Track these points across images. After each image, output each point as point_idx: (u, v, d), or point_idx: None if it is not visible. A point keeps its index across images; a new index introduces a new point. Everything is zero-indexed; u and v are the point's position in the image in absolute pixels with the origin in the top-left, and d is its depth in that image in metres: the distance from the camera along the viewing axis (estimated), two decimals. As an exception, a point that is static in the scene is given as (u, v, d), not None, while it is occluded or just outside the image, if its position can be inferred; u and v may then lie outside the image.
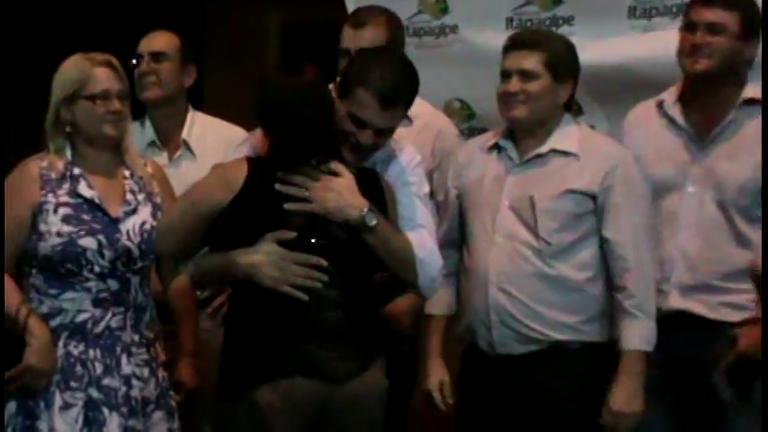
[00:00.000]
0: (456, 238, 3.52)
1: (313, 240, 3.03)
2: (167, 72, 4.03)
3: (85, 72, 3.28)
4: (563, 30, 4.06)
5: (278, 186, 3.03)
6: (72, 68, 3.30)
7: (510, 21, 4.23)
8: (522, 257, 3.32)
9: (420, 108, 3.63)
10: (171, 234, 3.16)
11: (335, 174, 3.09)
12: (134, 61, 4.01)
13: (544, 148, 3.37)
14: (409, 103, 3.25)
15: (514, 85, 3.32)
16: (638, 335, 3.29)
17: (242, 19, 6.46)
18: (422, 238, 3.19)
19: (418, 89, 3.26)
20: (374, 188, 3.14)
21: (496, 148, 3.45)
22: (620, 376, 3.28)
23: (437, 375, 3.50)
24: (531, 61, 3.33)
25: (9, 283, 3.22)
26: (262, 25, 6.51)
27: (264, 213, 3.03)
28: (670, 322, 3.39)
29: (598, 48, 3.97)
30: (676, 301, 3.45)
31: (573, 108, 3.54)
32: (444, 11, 4.34)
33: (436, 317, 3.55)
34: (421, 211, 3.25)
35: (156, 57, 4.02)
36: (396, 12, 3.90)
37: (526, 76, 3.33)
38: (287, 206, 3.03)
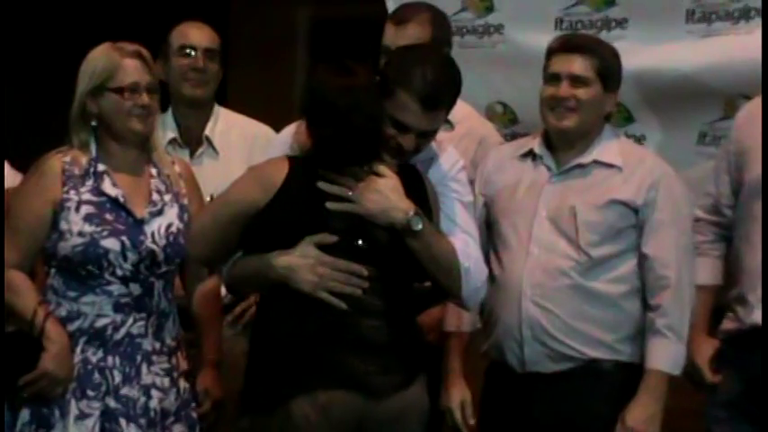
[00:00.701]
0: (484, 252, 3.38)
1: (359, 242, 2.93)
2: (216, 71, 3.91)
3: (114, 63, 3.16)
4: (615, 33, 3.97)
5: (320, 184, 2.92)
6: (100, 58, 3.19)
7: (559, 21, 4.11)
8: (560, 270, 3.22)
9: (462, 112, 3.52)
10: (203, 238, 3.05)
11: (379, 174, 2.97)
12: (188, 51, 3.85)
13: (586, 159, 3.28)
14: (452, 104, 3.13)
15: (565, 89, 3.23)
16: (665, 356, 3.20)
17: (269, 13, 6.38)
18: (467, 246, 3.07)
19: (461, 89, 3.12)
20: (418, 187, 3.03)
21: (531, 155, 3.35)
22: (640, 395, 3.19)
23: (459, 393, 3.40)
24: (584, 66, 3.23)
25: (25, 283, 3.13)
26: (290, 20, 6.42)
27: (305, 215, 2.92)
28: (753, 338, 3.26)
29: (653, 53, 3.86)
30: (759, 316, 3.28)
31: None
32: (489, 9, 4.22)
33: (459, 333, 3.46)
34: (464, 218, 3.13)
35: (211, 54, 3.89)
36: (439, 8, 3.76)
37: (578, 81, 3.23)
38: (329, 205, 2.91)
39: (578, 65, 3.22)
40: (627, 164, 3.25)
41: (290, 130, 3.31)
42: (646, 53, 3.73)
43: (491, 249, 3.34)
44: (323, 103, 2.90)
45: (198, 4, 4.56)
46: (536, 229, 3.25)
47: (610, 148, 3.28)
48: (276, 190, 2.92)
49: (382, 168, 2.97)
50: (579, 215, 3.21)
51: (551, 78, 3.24)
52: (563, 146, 3.30)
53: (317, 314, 2.90)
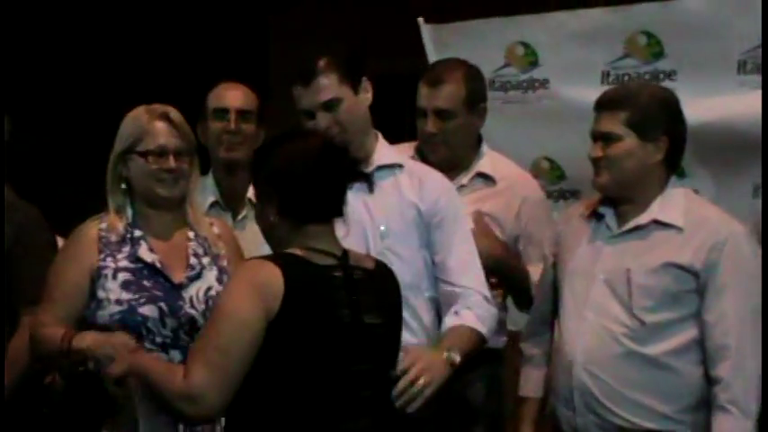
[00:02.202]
0: (549, 313, 3.35)
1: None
2: (252, 132, 3.85)
3: (142, 126, 3.13)
4: (664, 85, 3.79)
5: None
6: (130, 121, 3.16)
7: (606, 75, 4.03)
8: (612, 336, 3.11)
9: (506, 169, 3.50)
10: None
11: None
12: (222, 114, 3.84)
13: (644, 219, 3.16)
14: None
15: (597, 150, 3.17)
16: None
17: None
18: (480, 308, 3.12)
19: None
20: (393, 290, 2.86)
21: (595, 214, 3.26)
22: None
23: None
24: (611, 122, 3.15)
25: (54, 330, 3.03)
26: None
27: (319, 316, 2.65)
28: None
29: (703, 105, 3.74)
30: None
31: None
32: (534, 64, 4.17)
33: (529, 399, 3.39)
34: (475, 267, 3.18)
35: (244, 115, 3.85)
36: (481, 64, 3.76)
37: (608, 139, 3.15)
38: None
39: (605, 121, 3.15)
40: (689, 223, 3.11)
41: None
42: (696, 105, 3.59)
43: (556, 313, 3.28)
44: (280, 169, 2.72)
45: (237, 62, 4.53)
46: (593, 292, 3.16)
47: (672, 205, 3.15)
48: (281, 300, 2.57)
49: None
50: (633, 279, 3.10)
51: (591, 138, 3.20)
52: (619, 202, 3.21)
53: (303, 412, 2.62)
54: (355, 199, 3.08)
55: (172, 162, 3.10)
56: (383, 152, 3.21)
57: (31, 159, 3.85)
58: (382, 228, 3.15)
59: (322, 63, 3.09)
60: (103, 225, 3.14)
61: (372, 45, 4.44)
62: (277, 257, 2.66)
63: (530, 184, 3.72)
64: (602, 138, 3.15)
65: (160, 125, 3.11)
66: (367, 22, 6.01)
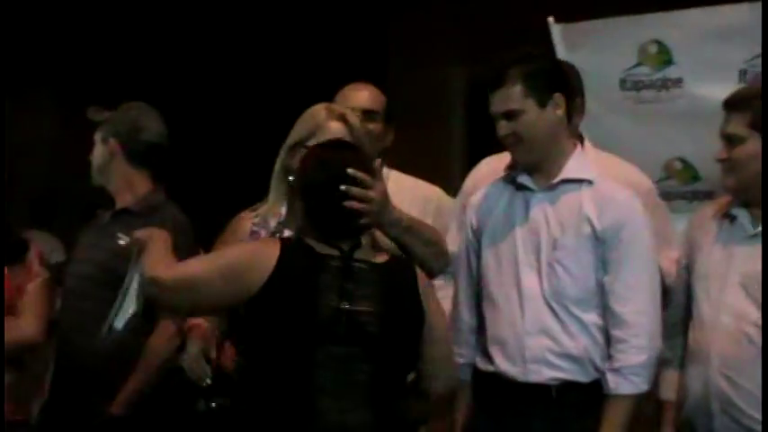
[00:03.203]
0: (683, 318, 3.28)
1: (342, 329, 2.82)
2: (379, 131, 3.86)
3: (319, 122, 3.15)
4: None
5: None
6: (308, 116, 3.19)
7: (743, 73, 3.96)
8: (749, 339, 3.07)
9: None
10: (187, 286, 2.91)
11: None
12: None
13: None
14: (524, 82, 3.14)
15: (723, 151, 3.14)
16: None
17: (426, 74, 6.32)
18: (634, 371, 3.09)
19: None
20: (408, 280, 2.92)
21: (728, 216, 3.20)
22: None
23: None
24: (737, 123, 3.11)
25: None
26: (446, 81, 6.34)
27: (298, 298, 2.82)
28: None
29: None
30: None
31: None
32: (668, 62, 4.10)
33: (669, 402, 3.32)
34: (641, 295, 3.11)
35: (370, 115, 3.85)
36: (612, 63, 3.81)
37: (732, 140, 3.11)
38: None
39: (730, 122, 3.11)
40: None
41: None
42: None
43: (689, 317, 3.22)
44: (310, 178, 2.89)
45: (356, 65, 4.54)
46: (727, 295, 3.11)
47: None
48: (269, 273, 2.79)
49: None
50: None
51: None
52: (750, 204, 3.15)
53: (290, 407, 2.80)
54: (537, 207, 3.15)
55: None
56: (574, 166, 3.18)
57: (180, 161, 3.90)
58: (555, 239, 3.13)
59: (509, 73, 3.10)
60: (257, 220, 3.16)
61: (495, 48, 4.41)
62: (285, 240, 2.90)
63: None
64: (727, 139, 3.10)
65: (336, 125, 3.13)
66: (486, 26, 5.98)
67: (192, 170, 5.45)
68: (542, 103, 3.11)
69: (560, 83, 3.17)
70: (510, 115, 3.10)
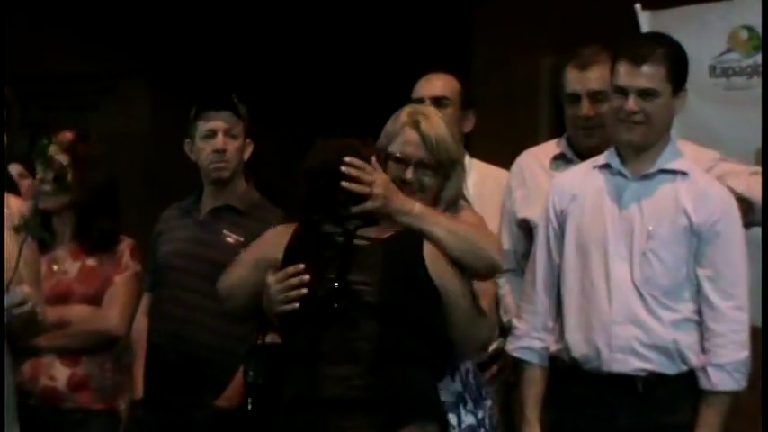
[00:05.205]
0: None
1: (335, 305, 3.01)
2: (452, 115, 3.82)
3: (397, 128, 3.19)
4: None
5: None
6: (393, 118, 3.22)
7: None
8: None
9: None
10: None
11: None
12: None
13: None
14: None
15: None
16: None
17: (513, 62, 6.28)
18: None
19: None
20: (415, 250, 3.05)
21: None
22: None
23: None
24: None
25: None
26: (533, 69, 6.28)
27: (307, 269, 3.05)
28: None
29: None
30: None
31: None
32: (758, 48, 3.99)
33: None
34: (737, 289, 3.11)
35: (438, 101, 3.85)
36: (701, 50, 3.73)
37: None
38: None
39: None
40: None
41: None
42: None
43: None
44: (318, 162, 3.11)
45: (440, 58, 4.53)
46: None
47: None
48: (282, 251, 3.07)
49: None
50: None
51: None
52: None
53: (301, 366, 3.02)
54: (631, 196, 3.14)
55: (410, 173, 3.14)
56: (670, 157, 3.18)
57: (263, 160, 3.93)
58: (650, 229, 3.10)
59: (658, 52, 3.11)
60: None
61: (582, 35, 4.36)
62: (301, 222, 3.12)
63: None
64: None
65: (410, 133, 3.15)
66: (573, 12, 5.91)
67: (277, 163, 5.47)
68: (676, 91, 3.12)
69: (686, 77, 3.18)
70: (646, 93, 3.09)
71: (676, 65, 3.13)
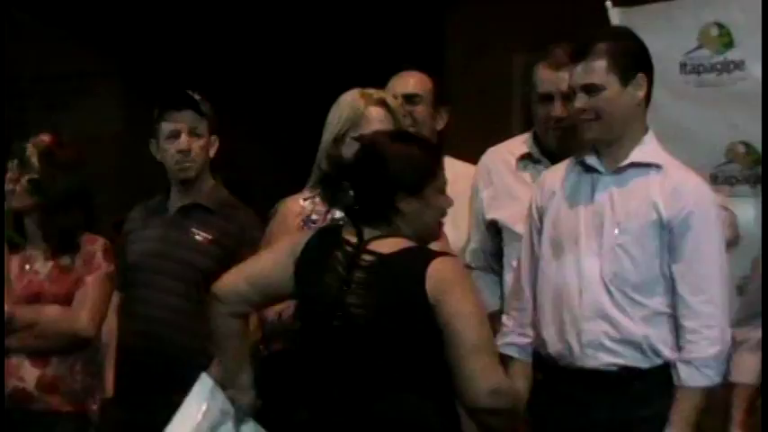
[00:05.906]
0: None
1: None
2: (421, 115, 3.92)
3: (359, 111, 3.17)
4: None
5: None
6: (345, 106, 3.20)
7: None
8: None
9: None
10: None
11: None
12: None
13: None
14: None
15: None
16: None
17: (485, 61, 6.29)
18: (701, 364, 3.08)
19: None
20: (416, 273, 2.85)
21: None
22: None
23: None
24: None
25: None
26: (506, 68, 6.29)
27: (312, 282, 2.94)
28: None
29: None
30: None
31: None
32: (729, 45, 3.98)
33: (742, 385, 3.28)
34: (711, 286, 3.10)
35: (410, 99, 3.91)
36: (672, 47, 3.74)
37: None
38: None
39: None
40: None
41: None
42: None
43: None
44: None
45: (413, 56, 4.55)
46: None
47: None
48: (297, 257, 2.93)
49: None
50: None
51: None
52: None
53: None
54: (603, 190, 3.11)
55: None
56: (644, 150, 3.14)
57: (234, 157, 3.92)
58: (619, 223, 3.09)
59: (596, 46, 3.08)
60: (306, 203, 3.23)
61: (554, 33, 4.37)
62: (318, 230, 3.01)
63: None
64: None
65: (375, 111, 3.15)
66: (545, 11, 5.92)
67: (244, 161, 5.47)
68: (625, 82, 3.08)
69: (646, 64, 3.13)
70: (590, 89, 3.08)
71: (618, 55, 3.08)
